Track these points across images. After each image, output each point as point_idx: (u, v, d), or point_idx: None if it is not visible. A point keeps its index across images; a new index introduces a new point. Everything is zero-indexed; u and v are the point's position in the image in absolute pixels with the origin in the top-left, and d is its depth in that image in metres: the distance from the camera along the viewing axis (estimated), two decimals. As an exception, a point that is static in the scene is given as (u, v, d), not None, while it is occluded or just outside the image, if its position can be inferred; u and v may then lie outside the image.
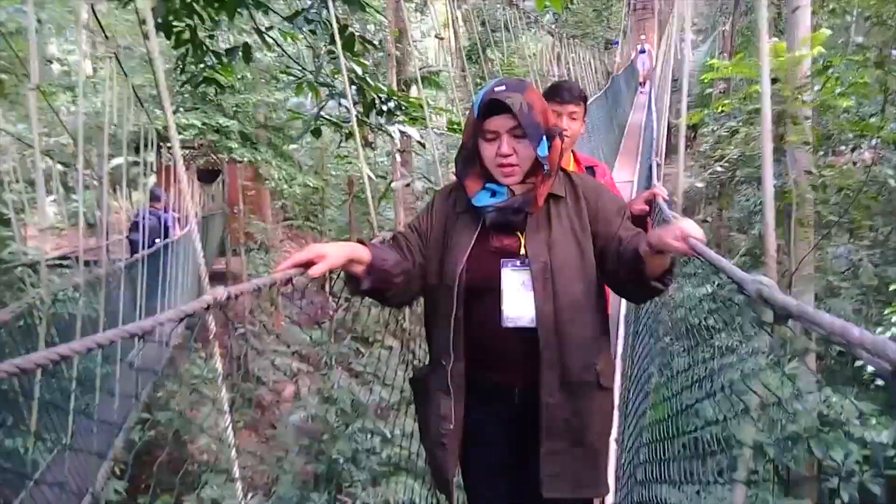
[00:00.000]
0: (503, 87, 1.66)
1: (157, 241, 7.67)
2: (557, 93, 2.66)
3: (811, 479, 5.00)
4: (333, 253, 1.62)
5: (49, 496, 3.28)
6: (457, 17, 10.77)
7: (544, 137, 1.67)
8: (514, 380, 1.76)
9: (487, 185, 1.74)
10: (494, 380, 1.77)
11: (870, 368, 6.15)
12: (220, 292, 1.59)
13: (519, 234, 1.73)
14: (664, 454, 2.28)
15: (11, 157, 8.02)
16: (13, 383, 2.95)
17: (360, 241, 1.75)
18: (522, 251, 1.71)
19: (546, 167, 1.68)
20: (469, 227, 1.76)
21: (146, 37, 4.80)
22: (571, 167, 2.65)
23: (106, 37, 4.84)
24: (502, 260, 1.71)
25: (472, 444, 1.82)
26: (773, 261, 1.79)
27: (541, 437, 1.70)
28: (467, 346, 1.74)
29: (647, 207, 2.73)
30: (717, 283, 2.33)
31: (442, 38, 10.88)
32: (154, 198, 8.33)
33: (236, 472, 2.16)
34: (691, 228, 1.44)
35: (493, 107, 1.65)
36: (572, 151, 2.75)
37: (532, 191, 1.70)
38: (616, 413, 3.48)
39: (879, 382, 6.40)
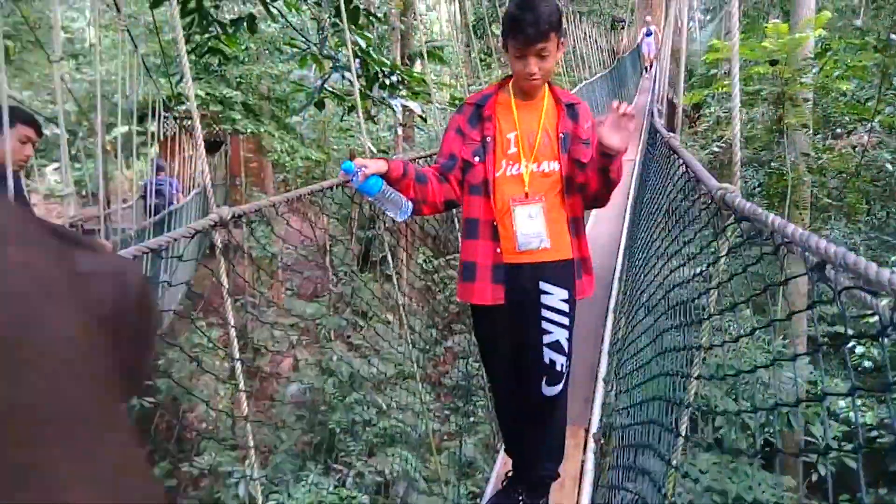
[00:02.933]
0: None
1: (174, 204, 8.25)
2: (518, 29, 2.12)
3: (793, 454, 5.13)
4: None
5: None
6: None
7: None
8: None
9: None
10: None
11: (858, 350, 6.25)
12: (226, 211, 1.66)
13: None
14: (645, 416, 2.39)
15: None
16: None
17: None
18: None
19: None
20: None
21: (154, 5, 4.84)
22: (546, 101, 2.32)
23: (118, 9, 4.88)
24: None
25: None
26: (738, 175, 1.87)
27: None
28: None
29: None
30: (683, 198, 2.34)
31: None
32: (159, 168, 8.78)
33: (250, 441, 2.22)
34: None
35: None
36: (549, 85, 2.35)
37: None
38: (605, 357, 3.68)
39: (867, 364, 6.52)
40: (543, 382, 2.36)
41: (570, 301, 2.32)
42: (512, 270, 2.29)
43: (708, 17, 24.95)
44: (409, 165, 2.25)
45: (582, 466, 2.90)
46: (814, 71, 5.34)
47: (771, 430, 3.89)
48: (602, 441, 2.95)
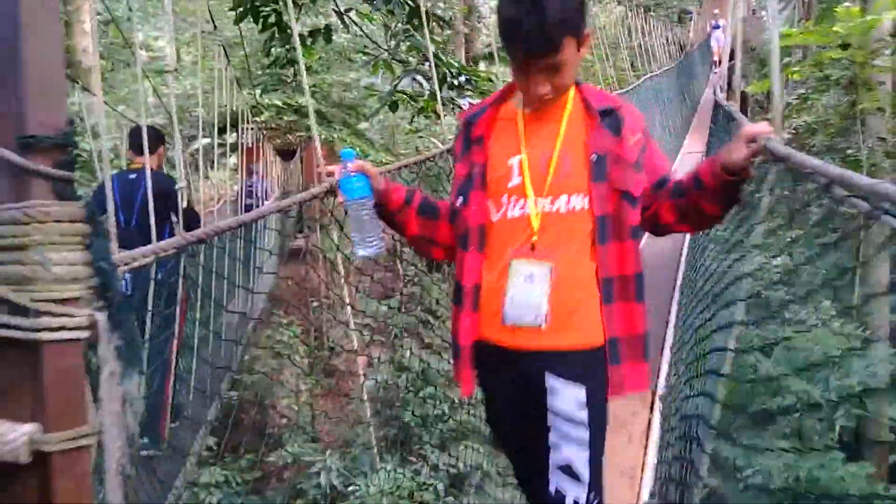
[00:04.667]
0: None
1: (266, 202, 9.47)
2: (515, 37, 1.48)
3: (881, 443, 5.04)
4: None
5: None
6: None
7: None
8: None
9: None
10: None
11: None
12: (333, 179, 1.90)
13: None
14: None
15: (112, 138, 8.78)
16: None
17: None
18: None
19: None
20: None
21: (238, 21, 5.18)
22: (570, 108, 1.60)
23: (214, 26, 5.30)
24: None
25: None
26: (780, 115, 2.01)
27: None
28: None
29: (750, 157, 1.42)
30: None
31: None
32: (250, 172, 10.33)
33: (373, 441, 2.43)
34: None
35: None
36: (575, 85, 1.61)
37: None
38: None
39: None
40: None
41: (594, 403, 1.52)
42: (498, 354, 1.59)
43: (781, 5, 23.98)
44: (416, 194, 1.75)
45: (649, 424, 3.03)
46: (887, 53, 5.24)
47: (847, 415, 3.88)
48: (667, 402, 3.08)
